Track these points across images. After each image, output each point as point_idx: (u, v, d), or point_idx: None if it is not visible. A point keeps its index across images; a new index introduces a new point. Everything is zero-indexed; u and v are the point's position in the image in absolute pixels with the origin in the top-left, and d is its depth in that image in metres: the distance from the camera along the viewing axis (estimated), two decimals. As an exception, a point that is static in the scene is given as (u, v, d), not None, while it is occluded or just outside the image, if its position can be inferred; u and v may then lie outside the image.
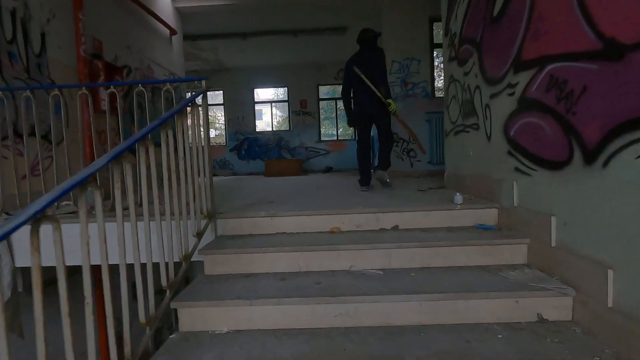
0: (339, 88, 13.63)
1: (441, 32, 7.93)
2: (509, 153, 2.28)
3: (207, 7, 6.87)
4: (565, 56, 1.72)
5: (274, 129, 12.26)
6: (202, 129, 2.40)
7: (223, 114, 11.89)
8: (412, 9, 6.34)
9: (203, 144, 2.40)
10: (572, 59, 1.66)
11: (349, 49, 9.79)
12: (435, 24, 6.56)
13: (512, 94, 2.21)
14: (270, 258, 2.12)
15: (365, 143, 3.85)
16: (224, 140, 11.84)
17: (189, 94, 2.53)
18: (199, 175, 2.29)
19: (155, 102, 6.11)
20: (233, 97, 11.52)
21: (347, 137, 12.23)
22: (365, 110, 3.73)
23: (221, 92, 11.60)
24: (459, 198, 2.47)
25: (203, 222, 2.32)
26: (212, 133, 17.99)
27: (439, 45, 6.77)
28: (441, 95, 6.95)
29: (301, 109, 11.53)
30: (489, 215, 2.44)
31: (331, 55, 10.39)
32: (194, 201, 2.14)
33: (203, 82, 2.41)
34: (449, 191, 3.36)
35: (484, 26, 2.57)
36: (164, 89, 2.38)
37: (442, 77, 12.99)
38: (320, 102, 11.84)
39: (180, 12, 6.97)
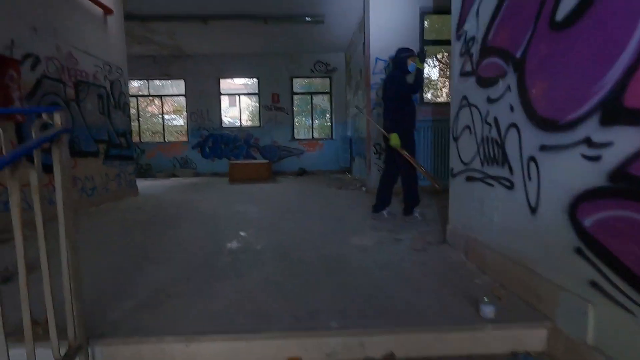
0: (316, 82, 12.70)
1: (428, 23, 6.90)
2: (579, 252, 1.39)
3: (154, -18, 5.60)
4: None
5: (243, 125, 11.03)
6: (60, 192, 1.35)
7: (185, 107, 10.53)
8: (400, -2, 5.36)
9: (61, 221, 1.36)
10: None
11: (327, 40, 8.83)
12: (427, 17, 5.60)
13: (594, 159, 1.30)
14: None
15: (385, 167, 3.81)
16: (186, 136, 10.50)
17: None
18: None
19: (82, 100, 4.87)
20: (196, 88, 10.17)
21: (323, 137, 11.20)
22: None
23: (182, 81, 10.22)
24: (489, 311, 1.56)
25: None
26: (181, 121, 16.22)
27: (430, 43, 5.87)
28: (432, 101, 6.06)
29: (273, 103, 10.37)
30: (532, 338, 1.56)
31: (307, 46, 9.27)
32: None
33: (57, 117, 1.34)
34: (454, 254, 2.47)
35: (534, 34, 1.63)
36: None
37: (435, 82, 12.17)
38: (295, 97, 10.72)
39: (120, -13, 5.65)
